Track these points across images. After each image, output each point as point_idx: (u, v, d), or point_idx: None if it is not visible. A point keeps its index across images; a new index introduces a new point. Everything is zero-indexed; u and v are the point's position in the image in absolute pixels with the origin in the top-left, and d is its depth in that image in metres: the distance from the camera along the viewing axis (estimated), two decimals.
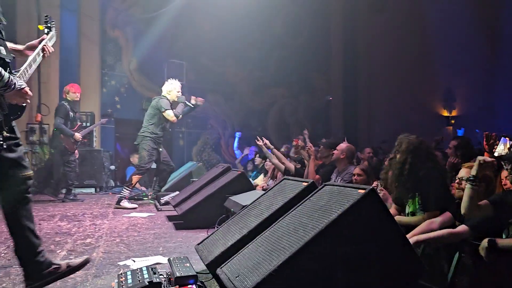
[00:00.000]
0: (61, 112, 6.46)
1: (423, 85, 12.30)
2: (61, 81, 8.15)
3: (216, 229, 3.23)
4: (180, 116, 6.29)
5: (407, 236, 2.56)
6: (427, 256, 2.95)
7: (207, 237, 3.09)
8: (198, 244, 3.02)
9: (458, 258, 2.71)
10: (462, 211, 2.61)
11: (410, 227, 3.14)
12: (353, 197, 2.19)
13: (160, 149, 6.32)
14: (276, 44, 11.87)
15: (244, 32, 10.99)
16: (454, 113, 13.09)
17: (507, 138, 3.49)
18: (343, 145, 5.04)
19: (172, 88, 6.36)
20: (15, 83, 2.15)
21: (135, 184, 6.26)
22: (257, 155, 8.22)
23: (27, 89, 2.22)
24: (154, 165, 9.85)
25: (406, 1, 11.45)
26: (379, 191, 3.64)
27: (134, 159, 9.12)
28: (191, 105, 6.38)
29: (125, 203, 5.89)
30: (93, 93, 9.05)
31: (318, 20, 12.46)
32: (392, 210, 3.53)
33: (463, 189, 2.80)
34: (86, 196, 7.43)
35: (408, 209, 3.41)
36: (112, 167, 8.83)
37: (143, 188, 8.15)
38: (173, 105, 6.28)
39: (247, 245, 2.48)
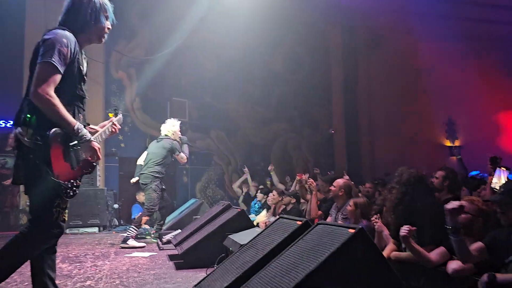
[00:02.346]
0: None
1: (424, 116, 12.42)
2: None
3: (214, 268, 3.26)
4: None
5: None
6: None
7: (204, 278, 3.11)
8: (196, 285, 3.04)
9: None
10: (458, 260, 2.62)
11: (407, 262, 3.15)
12: (343, 236, 2.23)
13: (164, 187, 6.42)
14: (277, 80, 12.11)
15: (245, 69, 11.26)
16: (457, 143, 13.13)
17: (502, 169, 3.52)
18: (340, 181, 5.07)
19: (176, 130, 6.53)
20: (90, 137, 2.46)
21: (143, 224, 6.35)
22: (259, 191, 8.24)
23: (97, 144, 2.53)
24: None
25: (401, 37, 11.74)
26: (374, 223, 3.67)
27: (140, 197, 9.18)
28: (189, 144, 6.66)
29: (132, 242, 5.90)
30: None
31: (317, 56, 12.75)
32: (391, 245, 3.54)
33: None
34: (89, 235, 7.45)
35: None
36: (116, 206, 8.88)
37: (147, 227, 8.15)
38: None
39: (242, 286, 2.50)
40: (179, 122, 6.69)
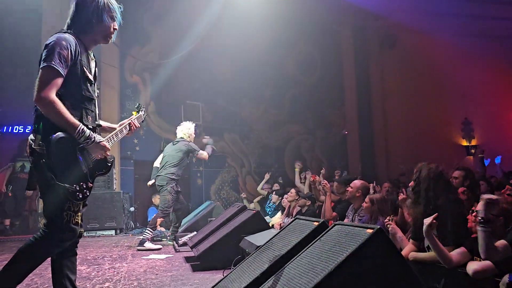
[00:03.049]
0: None
1: (439, 116, 12.30)
2: None
3: (231, 270, 3.27)
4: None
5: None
6: None
7: (221, 279, 3.12)
8: (213, 287, 3.05)
9: None
10: (481, 255, 2.58)
11: (427, 263, 3.11)
12: (361, 237, 2.21)
13: (179, 190, 6.46)
14: (290, 82, 12.12)
15: (258, 72, 11.28)
16: (473, 142, 12.96)
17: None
18: (358, 183, 5.03)
19: (192, 132, 6.67)
20: (95, 137, 2.44)
21: (158, 226, 6.40)
22: (274, 193, 8.24)
23: (105, 143, 2.52)
24: None
25: (414, 36, 11.63)
26: (387, 226, 3.63)
27: (156, 199, 9.26)
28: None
29: (149, 244, 5.96)
30: None
31: (330, 57, 12.72)
32: (410, 245, 3.49)
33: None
34: (106, 238, 7.53)
35: (426, 242, 3.36)
36: (132, 209, 8.96)
37: (162, 229, 8.21)
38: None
39: None
40: (194, 124, 6.77)
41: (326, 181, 5.89)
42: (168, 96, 10.28)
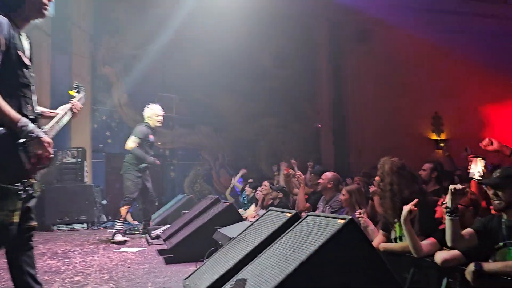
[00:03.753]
0: None
1: (411, 110, 12.52)
2: None
3: (204, 262, 3.26)
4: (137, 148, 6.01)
5: None
6: (416, 282, 2.98)
7: (194, 271, 3.11)
8: (186, 279, 3.04)
9: (446, 283, 2.74)
10: (448, 243, 2.64)
11: (397, 254, 3.18)
12: (332, 227, 2.24)
13: (147, 179, 6.21)
14: (265, 75, 12.10)
15: (233, 64, 11.21)
16: (442, 136, 13.30)
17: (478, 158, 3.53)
18: (329, 174, 5.10)
19: (151, 114, 6.24)
20: (37, 133, 2.19)
21: (126, 215, 6.20)
22: (247, 186, 8.25)
23: (49, 140, 2.26)
24: None
25: (390, 31, 11.80)
26: (360, 219, 3.69)
27: None
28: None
29: (118, 237, 5.87)
30: (84, 129, 9.13)
31: (305, 50, 12.76)
32: (380, 236, 3.57)
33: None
34: (77, 231, 7.39)
35: (394, 234, 3.44)
36: (104, 202, 8.81)
37: (135, 222, 8.12)
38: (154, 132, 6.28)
39: (233, 279, 2.51)
40: (158, 106, 6.40)
41: (300, 172, 5.94)
42: (142, 88, 10.09)
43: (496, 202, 2.55)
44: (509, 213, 2.47)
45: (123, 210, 6.05)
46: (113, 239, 5.85)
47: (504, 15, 11.68)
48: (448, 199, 2.55)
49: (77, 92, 2.81)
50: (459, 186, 2.55)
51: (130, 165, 6.05)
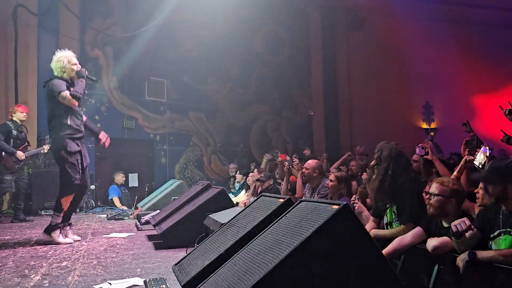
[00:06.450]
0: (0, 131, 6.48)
1: (402, 99, 12.55)
2: (39, 102, 8.06)
3: (195, 248, 3.21)
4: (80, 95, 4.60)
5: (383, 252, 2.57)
6: (407, 269, 2.96)
7: (184, 257, 3.05)
8: (175, 265, 2.98)
9: (438, 270, 2.73)
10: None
11: (387, 240, 3.17)
12: (327, 213, 2.19)
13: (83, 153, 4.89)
14: (257, 61, 11.99)
15: (225, 50, 11.09)
16: (433, 125, 13.36)
17: (487, 147, 3.54)
18: (312, 163, 5.11)
19: (64, 64, 4.66)
20: None
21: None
22: (238, 172, 8.21)
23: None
24: (136, 184, 9.77)
25: (383, 19, 11.73)
26: (354, 204, 3.67)
27: (118, 178, 9.03)
28: (93, 78, 4.99)
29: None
30: None
31: (297, 37, 12.66)
32: (371, 223, 3.55)
33: (431, 205, 2.83)
34: None
35: (385, 220, 3.43)
36: (92, 187, 8.70)
37: (125, 208, 8.04)
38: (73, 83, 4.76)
39: (224, 265, 2.46)
40: (70, 52, 4.81)
41: (297, 160, 5.92)
42: (132, 72, 9.90)
43: (487, 196, 2.53)
44: (507, 204, 2.44)
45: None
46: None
47: (497, 6, 11.67)
48: (452, 228, 2.48)
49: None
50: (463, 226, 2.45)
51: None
